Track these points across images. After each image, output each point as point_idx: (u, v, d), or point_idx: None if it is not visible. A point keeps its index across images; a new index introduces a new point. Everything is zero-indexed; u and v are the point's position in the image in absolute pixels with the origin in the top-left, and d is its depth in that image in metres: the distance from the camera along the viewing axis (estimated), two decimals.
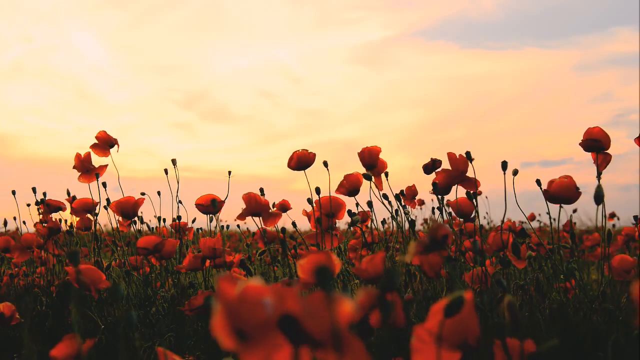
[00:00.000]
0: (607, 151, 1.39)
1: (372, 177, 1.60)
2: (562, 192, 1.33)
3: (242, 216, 1.57)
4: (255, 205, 1.54)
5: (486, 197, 3.91)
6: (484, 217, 4.47)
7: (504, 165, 1.40)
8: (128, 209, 1.76)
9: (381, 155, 1.63)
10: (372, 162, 1.61)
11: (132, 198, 1.77)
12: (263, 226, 1.58)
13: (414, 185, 1.79)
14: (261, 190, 1.65)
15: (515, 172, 1.44)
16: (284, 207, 1.93)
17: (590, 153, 1.40)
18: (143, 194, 2.10)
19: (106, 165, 1.84)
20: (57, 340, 0.85)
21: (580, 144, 1.40)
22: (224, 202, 1.63)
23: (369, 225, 1.79)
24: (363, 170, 1.63)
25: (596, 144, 1.37)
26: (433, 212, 2.07)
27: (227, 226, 2.28)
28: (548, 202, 1.37)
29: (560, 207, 1.39)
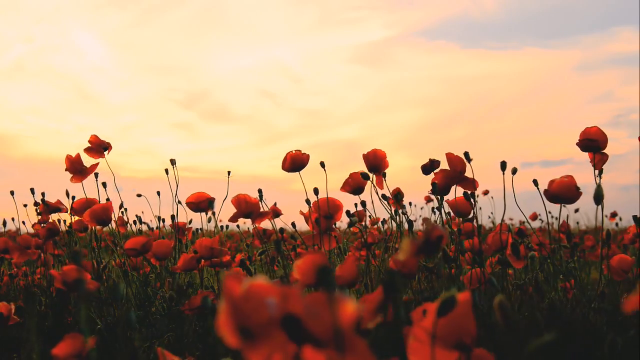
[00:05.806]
0: (604, 151, 1.39)
1: (371, 177, 1.60)
2: (562, 192, 1.32)
3: (233, 219, 1.57)
4: (245, 207, 1.53)
5: (492, 197, 3.91)
6: (489, 217, 4.46)
7: (503, 165, 1.40)
8: (101, 216, 1.75)
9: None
10: (376, 164, 1.61)
11: (102, 204, 1.75)
12: (255, 226, 1.58)
13: (398, 188, 1.85)
14: (259, 191, 1.65)
15: (514, 171, 1.43)
16: (275, 213, 1.93)
17: (587, 153, 1.40)
18: (139, 195, 2.10)
19: (97, 164, 1.83)
20: (56, 340, 0.85)
21: (577, 143, 1.40)
22: (214, 199, 1.62)
23: (366, 225, 1.79)
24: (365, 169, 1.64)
25: (593, 144, 1.37)
26: (434, 212, 2.08)
27: (227, 226, 2.27)
28: (549, 202, 1.36)
29: (562, 206, 1.38)
